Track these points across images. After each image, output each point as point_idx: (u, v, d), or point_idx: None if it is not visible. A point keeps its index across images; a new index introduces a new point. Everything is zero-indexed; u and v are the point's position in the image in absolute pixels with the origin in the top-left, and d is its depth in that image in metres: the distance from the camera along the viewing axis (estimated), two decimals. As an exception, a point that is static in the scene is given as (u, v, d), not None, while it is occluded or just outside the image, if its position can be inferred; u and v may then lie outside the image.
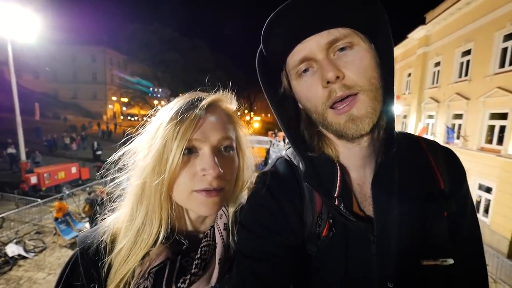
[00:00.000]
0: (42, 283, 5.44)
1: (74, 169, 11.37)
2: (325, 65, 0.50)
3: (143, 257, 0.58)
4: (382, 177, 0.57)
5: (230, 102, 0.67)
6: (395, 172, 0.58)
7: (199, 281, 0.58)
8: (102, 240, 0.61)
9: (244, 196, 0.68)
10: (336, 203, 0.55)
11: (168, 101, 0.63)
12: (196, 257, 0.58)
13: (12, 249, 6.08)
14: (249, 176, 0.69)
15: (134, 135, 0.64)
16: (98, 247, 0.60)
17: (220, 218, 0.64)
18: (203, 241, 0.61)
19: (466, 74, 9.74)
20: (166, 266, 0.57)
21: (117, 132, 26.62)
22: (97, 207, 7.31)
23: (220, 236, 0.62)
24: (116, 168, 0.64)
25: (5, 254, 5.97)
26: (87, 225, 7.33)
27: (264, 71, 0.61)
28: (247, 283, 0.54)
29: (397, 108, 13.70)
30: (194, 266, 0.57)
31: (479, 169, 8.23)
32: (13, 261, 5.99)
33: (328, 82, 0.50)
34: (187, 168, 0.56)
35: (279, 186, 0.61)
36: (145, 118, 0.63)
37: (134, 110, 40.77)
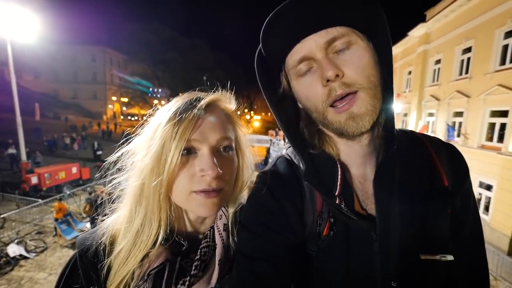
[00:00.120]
0: (44, 283, 5.46)
1: (74, 169, 11.39)
2: (324, 64, 0.50)
3: (143, 259, 0.58)
4: (384, 174, 0.56)
5: (229, 102, 0.67)
6: (397, 169, 0.57)
7: (199, 282, 0.57)
8: (101, 242, 0.61)
9: (244, 196, 0.67)
10: (337, 202, 0.54)
11: (168, 101, 0.62)
12: (196, 258, 0.58)
13: (14, 249, 6.10)
14: (249, 175, 0.68)
15: (133, 135, 0.63)
16: (97, 249, 0.60)
17: (220, 219, 0.63)
18: (202, 242, 0.61)
19: (466, 72, 9.71)
20: (165, 267, 0.56)
21: (117, 132, 26.63)
22: (97, 208, 7.31)
23: (220, 236, 0.61)
24: (116, 169, 0.63)
25: (7, 255, 5.99)
26: (88, 225, 7.34)
27: (263, 71, 0.61)
28: (247, 283, 0.54)
29: (397, 106, 13.63)
30: (193, 268, 0.57)
31: (479, 167, 8.23)
32: (15, 261, 6.01)
33: (328, 81, 0.50)
34: (185, 169, 0.56)
35: (280, 185, 0.60)
36: (145, 118, 0.62)
37: (134, 110, 40.78)
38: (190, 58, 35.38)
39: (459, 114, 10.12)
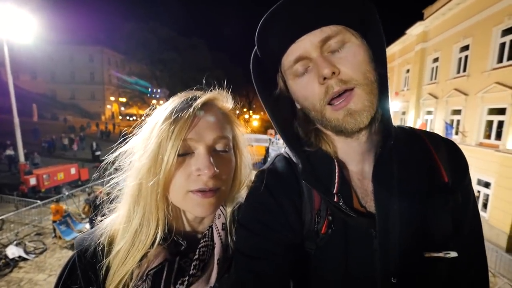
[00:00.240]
0: (43, 285, 5.44)
1: (73, 170, 11.35)
2: (320, 62, 0.50)
3: (141, 259, 0.58)
4: (382, 171, 0.56)
5: (226, 101, 0.66)
6: (395, 165, 0.57)
7: (198, 282, 0.57)
8: (99, 242, 0.60)
9: (242, 195, 0.67)
10: (335, 200, 0.54)
11: (166, 100, 0.62)
12: (194, 258, 0.58)
13: (13, 251, 6.08)
14: (247, 175, 0.68)
15: (130, 135, 0.63)
16: (95, 250, 0.60)
17: (218, 218, 0.63)
18: (201, 242, 0.61)
19: (464, 70, 9.75)
20: (164, 267, 0.56)
21: (116, 132, 26.52)
22: (96, 208, 7.28)
23: (219, 236, 0.61)
24: (113, 169, 0.63)
25: (6, 256, 5.97)
26: (87, 225, 7.32)
27: (258, 73, 0.61)
28: (246, 282, 0.54)
29: (396, 105, 13.66)
30: (192, 267, 0.56)
31: (477, 164, 8.27)
32: (14, 262, 5.98)
33: (324, 79, 0.50)
34: (182, 168, 0.56)
35: (278, 183, 0.60)
36: (142, 118, 0.62)
37: (133, 110, 40.66)
38: (188, 57, 35.27)
39: (457, 112, 10.16)
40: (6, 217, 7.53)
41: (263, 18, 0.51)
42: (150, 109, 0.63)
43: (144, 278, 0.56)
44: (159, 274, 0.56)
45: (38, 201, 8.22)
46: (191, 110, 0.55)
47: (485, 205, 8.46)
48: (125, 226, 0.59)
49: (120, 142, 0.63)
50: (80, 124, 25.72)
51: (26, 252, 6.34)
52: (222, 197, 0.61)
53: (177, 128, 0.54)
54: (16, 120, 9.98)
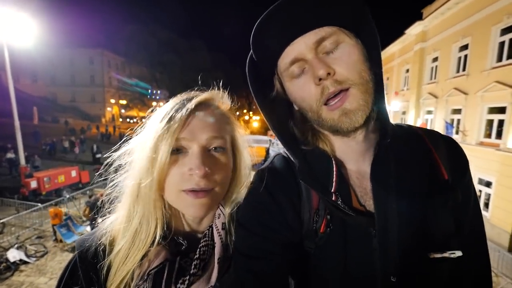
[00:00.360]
0: (44, 288, 5.44)
1: (74, 173, 11.36)
2: (315, 64, 0.51)
3: (142, 258, 0.58)
4: (380, 169, 0.57)
5: (223, 101, 0.67)
6: (393, 163, 0.57)
7: (198, 281, 0.57)
8: (100, 243, 0.61)
9: (242, 195, 0.67)
10: (333, 199, 0.54)
11: (167, 100, 0.63)
12: (195, 257, 0.58)
13: (14, 254, 6.07)
14: (247, 176, 0.68)
15: (130, 136, 0.64)
16: (96, 250, 0.60)
17: (218, 218, 0.63)
18: (201, 241, 0.61)
19: (464, 69, 9.75)
20: (165, 267, 0.57)
21: (116, 134, 26.56)
22: (97, 211, 7.28)
23: (219, 235, 0.62)
24: (114, 170, 0.64)
25: (7, 260, 5.97)
26: (88, 228, 7.32)
27: (254, 76, 0.61)
28: (246, 282, 0.54)
29: (396, 104, 13.62)
30: (193, 267, 0.57)
31: (478, 164, 8.25)
32: (15, 266, 5.98)
33: (320, 80, 0.51)
34: (175, 167, 0.56)
35: (276, 183, 0.60)
36: (143, 120, 0.63)
37: (133, 112, 40.71)
38: (188, 59, 35.38)
39: (457, 111, 10.16)
40: (7, 221, 7.53)
41: (257, 22, 0.51)
42: (151, 111, 0.64)
43: (145, 277, 0.56)
44: (160, 273, 0.56)
45: (39, 204, 8.23)
46: (184, 109, 0.56)
47: (486, 205, 8.43)
48: (125, 226, 0.60)
49: (121, 144, 0.64)
50: (81, 127, 25.77)
51: (27, 256, 6.33)
52: (215, 199, 0.60)
53: (172, 127, 0.55)
54: (17, 123, 10.00)
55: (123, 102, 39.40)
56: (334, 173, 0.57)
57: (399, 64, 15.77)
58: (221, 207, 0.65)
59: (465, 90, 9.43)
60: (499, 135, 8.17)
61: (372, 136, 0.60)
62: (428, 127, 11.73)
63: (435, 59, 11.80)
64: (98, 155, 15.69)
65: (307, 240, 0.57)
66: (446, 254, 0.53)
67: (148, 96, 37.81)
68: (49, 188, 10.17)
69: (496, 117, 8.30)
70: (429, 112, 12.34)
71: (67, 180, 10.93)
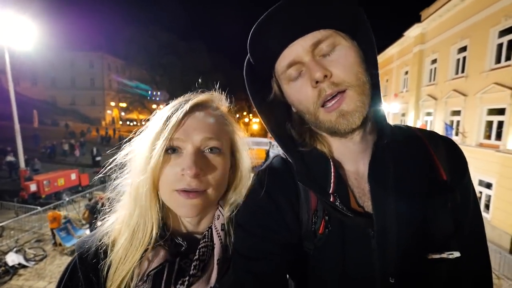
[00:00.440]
0: (43, 292, 5.40)
1: (73, 176, 11.35)
2: (312, 66, 0.52)
3: (141, 259, 0.58)
4: (378, 170, 0.57)
5: (221, 103, 0.67)
6: (391, 164, 0.57)
7: (198, 282, 0.57)
8: (101, 244, 0.61)
9: (242, 197, 0.67)
10: (331, 200, 0.54)
11: (166, 104, 0.64)
12: (195, 258, 0.58)
13: (12, 258, 6.04)
14: (247, 178, 0.68)
15: (130, 138, 0.65)
16: (96, 251, 0.60)
17: (218, 219, 0.64)
18: (201, 242, 0.61)
19: (462, 71, 9.79)
20: (164, 268, 0.57)
21: (116, 137, 26.56)
22: (97, 214, 7.27)
23: (218, 236, 0.62)
24: (114, 170, 0.65)
25: (5, 264, 5.94)
26: (88, 231, 7.29)
27: (252, 79, 0.62)
28: (245, 283, 0.54)
29: (395, 106, 13.62)
30: (192, 267, 0.57)
31: (478, 165, 8.25)
32: (13, 270, 5.95)
33: (317, 82, 0.51)
34: (169, 167, 0.57)
35: (275, 184, 0.61)
36: (143, 123, 0.65)
37: (133, 115, 40.77)
38: (188, 61, 35.49)
39: (456, 113, 10.18)
40: (6, 224, 7.50)
41: (254, 26, 0.52)
42: (153, 114, 0.65)
43: (145, 278, 0.56)
44: (160, 274, 0.56)
45: (38, 207, 8.21)
46: (180, 110, 0.58)
47: (487, 206, 8.42)
48: (125, 225, 0.60)
49: (121, 145, 0.65)
50: (81, 130, 25.77)
51: (26, 259, 6.30)
52: (208, 200, 0.60)
53: (167, 128, 0.56)
54: (17, 126, 10.01)
55: (123, 105, 39.45)
56: (332, 174, 0.57)
57: (398, 66, 15.84)
58: (220, 208, 0.65)
59: (464, 91, 9.46)
60: (498, 136, 8.18)
61: (369, 137, 0.60)
62: (428, 129, 11.75)
63: (434, 61, 11.85)
64: (98, 158, 15.68)
65: (306, 241, 0.57)
66: (444, 255, 0.53)
67: (148, 98, 37.88)
68: (49, 191, 10.14)
69: (496, 119, 8.32)
70: (429, 114, 12.37)
71: (67, 183, 10.92)
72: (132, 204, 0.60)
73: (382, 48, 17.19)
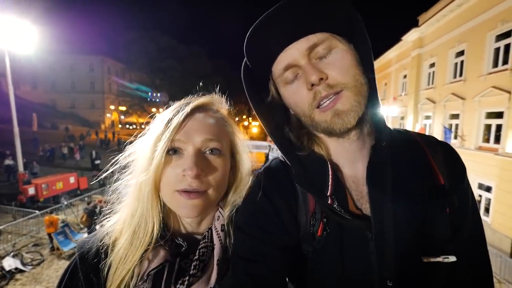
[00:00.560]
0: (40, 297, 5.33)
1: (72, 179, 11.29)
2: (308, 70, 0.52)
3: (142, 258, 0.59)
4: (376, 173, 0.57)
5: (221, 106, 0.69)
6: (389, 167, 0.58)
7: (198, 282, 0.58)
8: (102, 244, 0.62)
9: (241, 198, 0.68)
10: (329, 202, 0.55)
11: (166, 107, 0.65)
12: (195, 258, 0.59)
13: (9, 263, 5.98)
14: (247, 179, 0.69)
15: (131, 141, 0.66)
16: (97, 251, 0.61)
17: (217, 220, 0.64)
18: (201, 243, 0.62)
19: (460, 75, 9.87)
20: (165, 268, 0.57)
21: (115, 140, 26.53)
22: (95, 217, 7.26)
23: (218, 237, 0.62)
24: (117, 172, 0.65)
25: (2, 268, 5.88)
26: (85, 235, 7.22)
27: (250, 82, 0.62)
28: (244, 285, 0.54)
29: (394, 110, 13.67)
30: (192, 267, 0.57)
31: (478, 168, 8.26)
32: (10, 275, 5.88)
33: (312, 85, 0.52)
34: (171, 168, 0.58)
35: (273, 186, 0.61)
36: (143, 126, 0.66)
37: (132, 119, 40.81)
38: (188, 65, 35.67)
39: (455, 116, 10.23)
40: (4, 228, 7.44)
41: (250, 30, 0.52)
42: (150, 116, 0.66)
43: (145, 278, 0.57)
44: (160, 274, 0.57)
45: (36, 211, 8.15)
46: (181, 112, 0.59)
47: (487, 210, 8.40)
48: (127, 225, 0.61)
49: (122, 148, 0.66)
50: (80, 133, 25.75)
51: (23, 264, 6.24)
52: (209, 201, 0.61)
53: (168, 129, 0.57)
54: (16, 129, 10.00)
55: (123, 108, 39.51)
56: (330, 176, 0.57)
57: (396, 70, 15.95)
58: (220, 209, 0.65)
59: (462, 95, 9.52)
60: (497, 139, 8.21)
61: (367, 138, 0.60)
62: (427, 132, 11.81)
63: (432, 65, 11.95)
64: (97, 162, 15.63)
65: (305, 244, 0.57)
66: (439, 259, 0.53)
67: (148, 99, 37.91)
68: (47, 195, 10.08)
69: (494, 122, 8.36)
70: (427, 117, 12.42)
71: (66, 187, 10.86)
72: (134, 205, 0.61)
73: (381, 52, 17.34)
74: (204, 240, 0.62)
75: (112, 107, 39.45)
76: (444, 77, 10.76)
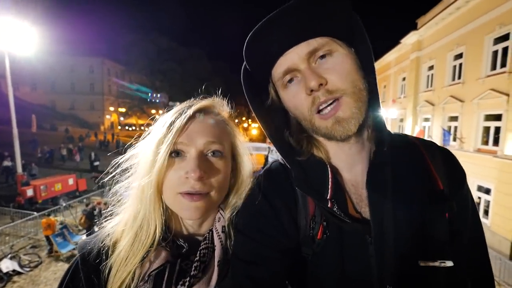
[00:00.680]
0: (38, 299, 5.29)
1: (71, 181, 11.25)
2: (307, 75, 0.52)
3: (143, 259, 0.59)
4: (376, 177, 0.57)
5: (222, 108, 0.69)
6: (389, 172, 0.58)
7: (198, 283, 0.58)
8: (103, 245, 0.62)
9: (242, 199, 0.68)
10: (329, 206, 0.55)
11: (166, 108, 0.66)
12: (195, 259, 0.59)
13: (7, 265, 5.94)
14: (248, 181, 0.69)
15: (131, 143, 0.67)
16: (99, 252, 0.61)
17: (218, 221, 0.65)
18: (202, 244, 0.62)
19: (459, 77, 9.92)
20: (166, 269, 0.58)
21: (114, 142, 26.48)
22: (94, 219, 7.23)
23: (219, 238, 0.63)
24: (119, 174, 0.66)
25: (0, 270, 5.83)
26: (84, 237, 7.18)
27: (249, 85, 0.63)
28: (244, 287, 0.54)
29: (393, 112, 13.72)
30: (193, 269, 0.58)
31: (477, 171, 8.27)
32: (8, 277, 5.84)
33: (312, 90, 0.52)
34: (173, 170, 0.59)
35: (273, 189, 0.61)
36: (142, 128, 0.66)
37: (132, 120, 40.77)
38: (188, 67, 35.73)
39: (454, 118, 10.26)
40: (1, 230, 7.39)
41: (250, 34, 0.52)
42: (151, 119, 0.67)
43: (146, 279, 0.57)
44: (161, 275, 0.57)
45: (35, 213, 8.10)
46: (184, 115, 0.60)
47: (486, 212, 8.41)
48: (129, 226, 0.61)
49: (123, 151, 0.67)
50: (79, 134, 25.70)
51: (21, 266, 6.19)
52: (211, 203, 0.61)
53: (171, 132, 0.58)
54: (15, 130, 9.98)
55: (122, 110, 39.48)
56: (330, 180, 0.57)
57: (395, 72, 16.02)
58: (221, 210, 0.66)
59: (461, 97, 9.56)
60: (496, 142, 8.24)
61: (368, 143, 0.61)
62: (426, 134, 11.83)
63: (431, 68, 12.01)
64: (96, 163, 15.59)
65: (304, 247, 0.57)
66: (436, 263, 0.53)
67: (148, 100, 37.91)
68: (46, 197, 10.04)
69: (493, 124, 8.40)
70: (426, 120, 12.46)
71: (64, 188, 10.82)
72: (136, 207, 0.61)
73: (380, 54, 17.44)
74: (205, 242, 0.62)
75: (111, 108, 39.43)
76: (442, 80, 10.81)
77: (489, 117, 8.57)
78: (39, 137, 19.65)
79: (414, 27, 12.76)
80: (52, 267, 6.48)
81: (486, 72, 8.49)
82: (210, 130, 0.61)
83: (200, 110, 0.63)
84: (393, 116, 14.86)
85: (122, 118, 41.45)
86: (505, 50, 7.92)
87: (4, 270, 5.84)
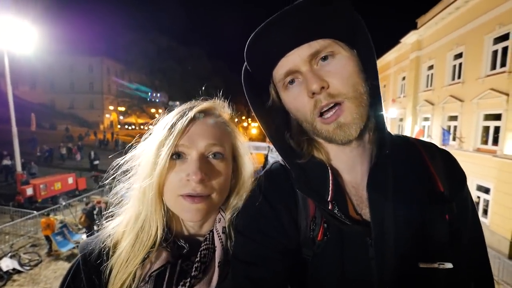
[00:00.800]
0: (38, 298, 5.30)
1: (70, 180, 11.24)
2: (309, 77, 0.52)
3: (143, 260, 0.59)
4: (377, 179, 0.57)
5: (223, 110, 0.69)
6: (390, 174, 0.58)
7: (199, 284, 0.58)
8: (104, 245, 0.62)
9: (243, 201, 0.68)
10: (329, 207, 0.55)
11: (165, 108, 0.66)
12: (196, 260, 0.59)
13: (7, 263, 5.94)
14: (248, 183, 0.69)
15: (132, 144, 0.67)
16: (100, 253, 0.61)
17: (219, 222, 0.65)
18: (202, 245, 0.62)
19: (459, 77, 9.92)
20: (166, 269, 0.58)
21: (113, 141, 26.44)
22: (93, 218, 7.24)
23: (219, 239, 0.63)
24: (119, 175, 0.66)
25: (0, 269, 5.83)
26: (84, 236, 7.19)
27: (250, 86, 0.63)
28: None
29: (393, 112, 13.71)
30: (194, 269, 0.58)
31: (476, 170, 8.29)
32: (8, 276, 5.84)
33: (313, 93, 0.52)
34: (174, 173, 0.59)
35: (274, 190, 0.61)
36: (142, 127, 0.66)
37: (131, 119, 40.75)
38: (188, 66, 35.69)
39: (453, 118, 10.27)
40: (1, 228, 7.39)
41: (251, 36, 0.52)
42: (156, 120, 0.66)
43: (147, 279, 0.57)
44: (162, 275, 0.57)
45: (34, 212, 8.10)
46: (185, 117, 0.60)
47: (485, 211, 8.43)
48: (130, 228, 0.62)
49: (124, 150, 0.67)
50: (79, 133, 25.67)
51: (21, 264, 6.19)
52: (212, 205, 0.61)
53: (172, 134, 0.58)
54: (14, 129, 9.96)
55: (122, 109, 39.43)
56: (330, 182, 0.57)
57: (395, 72, 16.01)
58: (221, 211, 0.66)
59: (460, 97, 9.56)
60: (495, 141, 8.25)
61: (369, 146, 0.61)
62: (425, 134, 11.84)
63: (431, 67, 12.00)
64: (96, 162, 15.59)
65: (305, 248, 0.57)
66: (435, 265, 0.53)
67: (148, 99, 37.85)
68: (45, 195, 10.02)
69: (492, 124, 8.40)
70: (426, 119, 12.47)
71: (64, 187, 10.80)
72: (138, 208, 0.61)
73: (379, 54, 17.41)
74: (205, 242, 0.62)
75: (111, 107, 39.37)
76: (442, 79, 10.81)
77: (489, 117, 8.57)
78: (39, 136, 19.62)
79: (414, 26, 12.75)
80: (52, 266, 6.49)
81: (485, 71, 8.49)
82: (211, 132, 0.61)
83: (201, 112, 0.63)
84: (393, 115, 14.87)
85: (121, 117, 41.40)
86: (504, 49, 7.91)
87: (4, 269, 5.85)
